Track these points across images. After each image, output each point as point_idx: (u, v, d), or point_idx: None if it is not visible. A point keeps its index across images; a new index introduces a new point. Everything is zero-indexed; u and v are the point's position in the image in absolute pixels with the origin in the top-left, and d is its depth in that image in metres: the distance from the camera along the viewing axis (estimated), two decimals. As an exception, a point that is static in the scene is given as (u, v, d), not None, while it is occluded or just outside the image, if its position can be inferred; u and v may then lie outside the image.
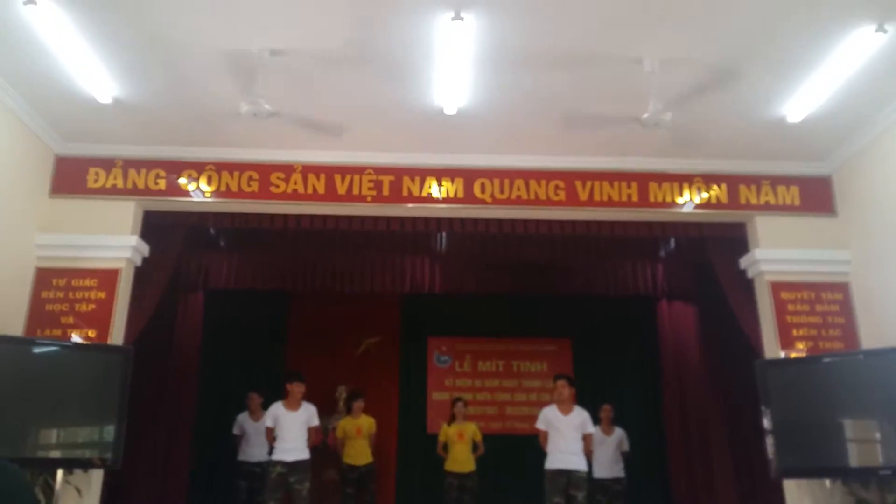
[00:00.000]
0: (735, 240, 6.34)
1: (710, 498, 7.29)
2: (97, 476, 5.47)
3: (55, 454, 5.10)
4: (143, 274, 6.13)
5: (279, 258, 8.14)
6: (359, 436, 7.34)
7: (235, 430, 7.61)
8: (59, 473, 4.98)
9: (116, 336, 5.74)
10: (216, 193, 6.08)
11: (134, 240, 5.94)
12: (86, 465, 5.18)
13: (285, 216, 6.26)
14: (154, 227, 6.24)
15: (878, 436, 5.10)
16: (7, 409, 4.81)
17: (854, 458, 5.18)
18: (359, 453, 7.30)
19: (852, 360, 5.36)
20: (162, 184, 6.08)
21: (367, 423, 7.46)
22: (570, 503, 6.20)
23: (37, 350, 5.24)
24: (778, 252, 6.01)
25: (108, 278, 5.82)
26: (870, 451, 5.15)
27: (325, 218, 6.28)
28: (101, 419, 5.26)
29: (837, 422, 5.23)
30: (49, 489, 5.04)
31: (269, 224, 6.31)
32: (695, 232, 6.39)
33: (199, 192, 6.08)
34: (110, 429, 5.21)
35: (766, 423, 5.37)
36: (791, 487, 5.67)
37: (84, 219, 5.93)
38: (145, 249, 6.10)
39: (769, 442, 5.34)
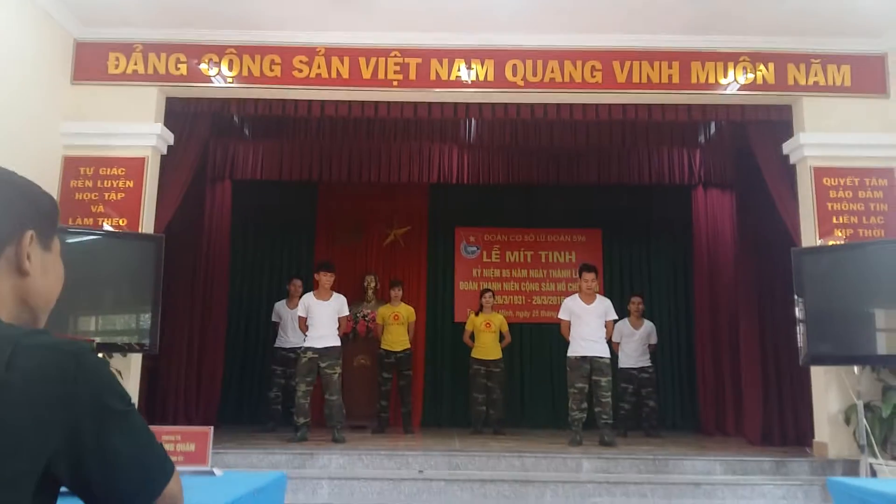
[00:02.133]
0: (779, 123, 6.08)
1: (735, 386, 7.37)
2: (136, 360, 5.66)
3: (95, 339, 5.25)
4: (169, 162, 6.11)
5: (305, 148, 8.03)
6: (396, 322, 7.46)
7: (274, 318, 7.78)
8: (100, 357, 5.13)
9: (147, 224, 5.80)
10: (238, 78, 5.92)
11: (158, 127, 5.90)
12: (124, 349, 5.35)
13: (309, 103, 6.11)
14: (178, 114, 6.18)
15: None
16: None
17: (884, 346, 5.14)
18: (396, 339, 7.45)
19: (890, 247, 5.21)
20: (183, 69, 5.94)
21: (405, 310, 7.56)
22: (594, 388, 6.34)
23: (70, 239, 5.29)
24: (824, 136, 5.76)
25: (135, 166, 5.83)
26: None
27: (349, 104, 6.12)
28: (137, 306, 5.39)
29: (869, 310, 5.16)
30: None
31: (293, 111, 6.17)
32: (737, 116, 6.11)
33: (221, 78, 5.93)
34: (146, 315, 5.36)
35: (799, 311, 5.31)
36: (818, 374, 5.69)
37: (107, 106, 5.88)
38: (170, 137, 6.06)
39: (800, 330, 5.30)
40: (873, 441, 4.95)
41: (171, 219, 6.07)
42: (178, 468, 1.69)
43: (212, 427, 2.03)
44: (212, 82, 5.95)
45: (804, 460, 5.54)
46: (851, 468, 5.24)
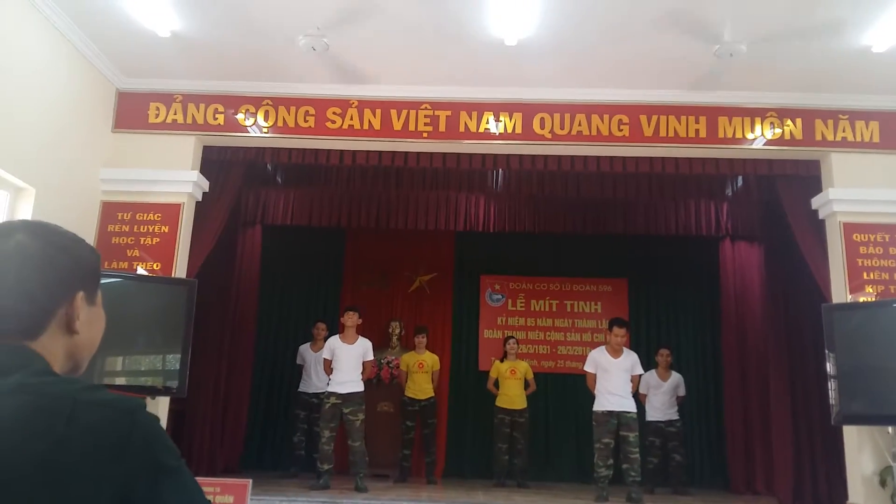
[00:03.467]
0: (807, 178, 6.06)
1: (766, 442, 7.21)
2: (163, 403, 5.71)
3: (123, 381, 5.31)
4: (203, 208, 6.24)
5: (335, 194, 8.18)
6: (421, 370, 7.46)
7: (298, 361, 7.84)
8: (130, 399, 5.18)
9: (180, 268, 5.90)
10: (273, 129, 6.08)
11: (195, 174, 6.03)
12: (153, 392, 5.40)
13: (341, 152, 6.25)
14: (213, 162, 6.33)
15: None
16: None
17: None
18: (420, 387, 7.44)
19: (924, 305, 5.15)
20: (220, 119, 6.12)
21: (430, 358, 7.57)
22: (621, 443, 6.24)
23: (105, 281, 5.39)
24: (853, 192, 5.73)
25: (170, 212, 5.95)
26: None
27: (380, 154, 6.24)
28: (167, 348, 5.46)
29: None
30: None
31: (325, 160, 6.31)
32: (765, 170, 6.12)
33: (257, 128, 6.10)
34: (176, 357, 5.41)
35: (830, 368, 5.23)
36: (851, 434, 5.55)
37: (146, 153, 6.03)
38: (205, 184, 6.19)
39: (832, 387, 5.21)
40: (910, 505, 4.80)
41: (203, 263, 6.18)
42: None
43: (250, 480, 2.06)
44: (248, 132, 6.11)
45: (838, 523, 5.38)
46: (888, 532, 5.07)
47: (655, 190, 7.13)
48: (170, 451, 1.08)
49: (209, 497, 2.06)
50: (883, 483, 5.16)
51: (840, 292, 5.67)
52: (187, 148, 6.09)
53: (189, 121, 6.12)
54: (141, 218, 5.95)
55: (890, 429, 5.08)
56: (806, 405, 6.48)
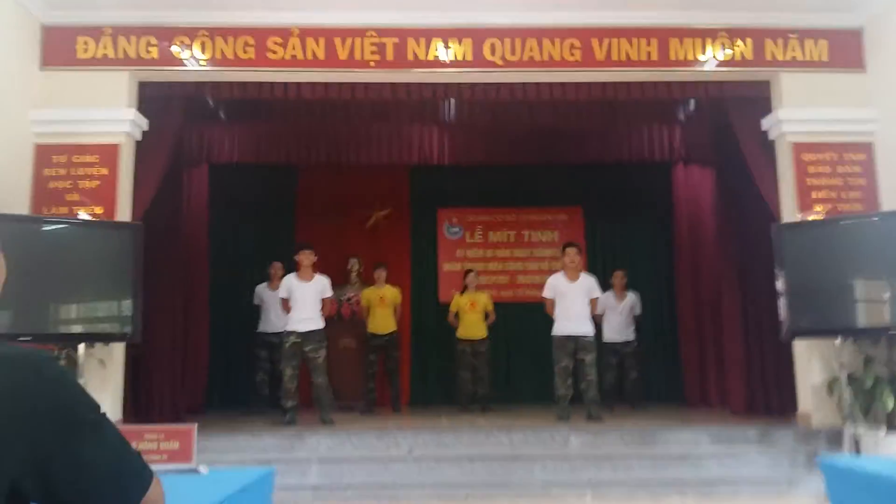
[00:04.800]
0: (758, 100, 6.09)
1: (719, 358, 7.46)
2: (119, 349, 5.60)
3: (76, 329, 5.19)
4: (143, 148, 6.00)
5: (283, 130, 7.94)
6: (382, 305, 7.45)
7: (256, 301, 7.75)
8: (81, 347, 5.08)
9: (123, 212, 5.71)
10: (211, 62, 5.81)
11: (131, 113, 5.79)
12: (106, 338, 5.29)
13: (285, 84, 6.03)
14: (151, 99, 6.06)
15: (889, 296, 5.10)
16: (24, 287, 4.83)
17: (864, 318, 5.22)
18: (382, 322, 7.44)
19: (869, 222, 5.28)
20: (154, 52, 5.81)
21: (391, 293, 7.55)
22: (579, 366, 6.38)
23: (46, 228, 5.19)
24: (802, 111, 5.79)
25: (108, 153, 5.72)
26: (880, 311, 5.18)
27: (326, 86, 6.05)
28: (118, 294, 5.32)
29: (850, 283, 5.23)
30: (73, 362, 5.17)
31: (269, 94, 6.09)
32: (716, 92, 6.12)
33: (194, 61, 5.82)
34: (128, 303, 5.29)
35: (780, 285, 5.37)
36: (801, 347, 5.78)
37: (78, 92, 5.75)
38: (144, 123, 5.95)
39: (782, 304, 5.36)
40: (856, 411, 5.03)
41: (149, 205, 5.97)
42: (162, 467, 1.65)
43: (196, 424, 2.00)
44: (185, 66, 5.83)
45: (788, 429, 5.64)
46: (835, 437, 5.32)
47: (609, 116, 7.09)
48: (85, 405, 0.99)
49: (153, 444, 2.00)
50: (831, 391, 5.40)
51: (790, 212, 5.78)
52: (121, 84, 5.82)
53: (121, 55, 5.81)
54: (78, 160, 5.71)
55: (837, 340, 5.27)
56: (757, 321, 6.67)
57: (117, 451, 1.02)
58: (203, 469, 1.94)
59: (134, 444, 1.80)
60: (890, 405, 4.92)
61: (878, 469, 2.13)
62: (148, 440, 1.97)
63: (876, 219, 5.32)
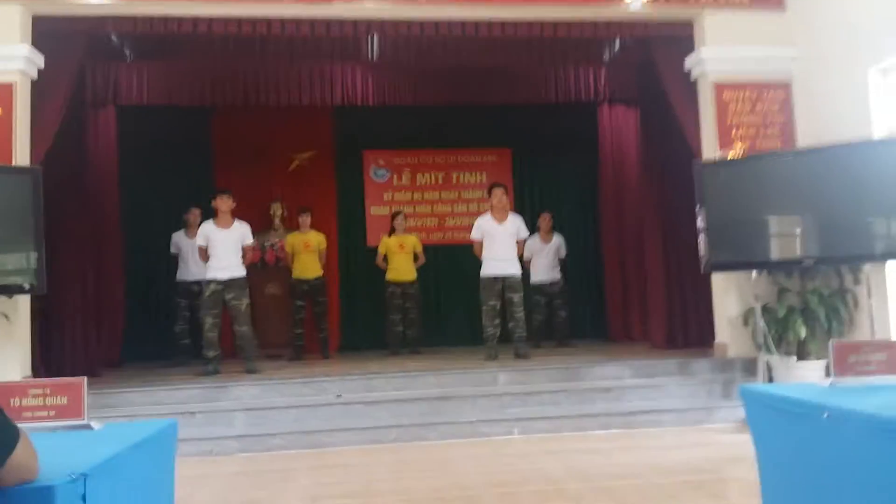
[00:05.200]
0: (681, 39, 6.12)
1: (641, 294, 7.67)
2: (24, 302, 5.29)
3: None
4: (41, 88, 5.58)
5: (195, 70, 7.51)
6: (307, 250, 7.29)
7: (173, 249, 7.45)
8: (-19, 300, 4.76)
9: (21, 157, 5.34)
10: (113, -8, 5.37)
11: (25, 48, 5.37)
12: (8, 290, 4.98)
13: (195, 20, 5.66)
14: (48, 35, 5.61)
15: (801, 231, 5.29)
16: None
17: (779, 251, 5.41)
18: (307, 267, 7.28)
19: (784, 159, 5.43)
20: (48, -18, 5.34)
21: (315, 238, 7.39)
22: (507, 305, 6.43)
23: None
24: (724, 50, 5.86)
25: (2, 93, 5.34)
26: (793, 244, 5.38)
27: (239, 22, 5.70)
28: (19, 244, 5.02)
29: (766, 219, 5.40)
30: (-26, 316, 4.86)
31: (177, 29, 5.71)
32: (640, 32, 6.11)
33: (93, -9, 5.36)
34: (30, 253, 4.99)
35: (700, 222, 5.48)
36: (719, 280, 5.97)
37: (-36, 26, 5.23)
38: (40, 60, 5.53)
39: (701, 239, 5.49)
40: (769, 340, 5.24)
41: (50, 149, 5.57)
42: (50, 424, 1.51)
43: (85, 378, 1.86)
44: (83, -3, 5.38)
45: (706, 360, 5.86)
46: (749, 366, 5.57)
47: (535, 56, 6.99)
48: None
49: (39, 399, 1.85)
50: (746, 322, 5.61)
51: (711, 150, 5.89)
52: (13, 18, 5.38)
53: (11, -15, 5.30)
54: (-32, 101, 5.24)
55: (753, 273, 5.45)
56: (678, 258, 6.84)
57: None
58: (96, 424, 1.81)
59: (16, 401, 1.65)
60: (802, 333, 5.15)
61: (792, 393, 2.19)
62: (32, 396, 1.81)
63: (792, 156, 5.46)
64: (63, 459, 1.29)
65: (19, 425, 1.15)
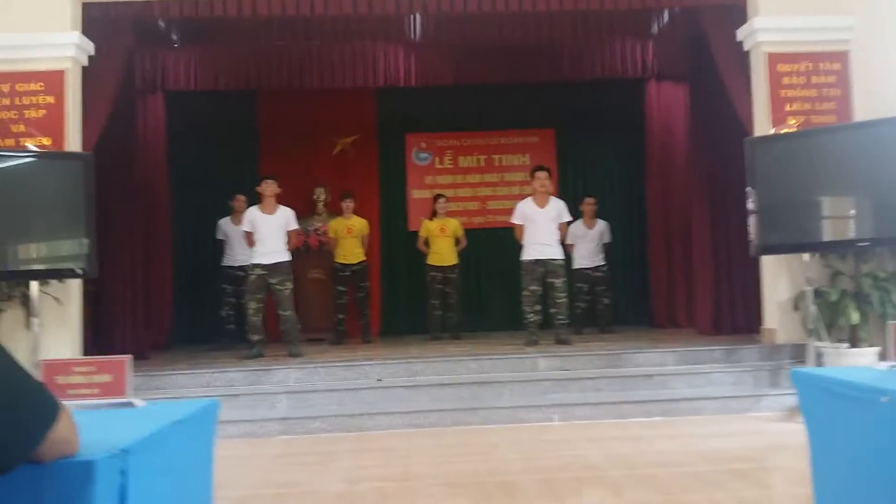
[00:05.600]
0: (733, 9, 5.88)
1: (687, 280, 7.50)
2: (75, 286, 5.43)
3: (27, 267, 5.01)
4: (92, 75, 5.72)
5: (241, 53, 7.59)
6: (349, 235, 7.32)
7: (219, 235, 7.56)
8: (34, 285, 4.91)
9: (72, 143, 5.47)
10: (158, -22, 5.44)
11: (76, 36, 5.49)
12: (59, 275, 5.12)
13: (239, 2, 5.68)
14: (96, 21, 5.73)
15: (855, 210, 5.09)
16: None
17: (832, 232, 5.21)
18: (350, 252, 7.31)
19: (840, 134, 5.20)
20: (96, -31, 5.44)
21: (358, 223, 7.40)
22: (549, 290, 6.35)
23: (-9, 161, 4.94)
24: (777, 20, 5.60)
25: (54, 80, 5.46)
26: (847, 225, 5.17)
27: (284, 2, 5.70)
28: (71, 229, 5.13)
29: (819, 199, 5.20)
30: (27, 300, 5.02)
31: (222, 12, 5.74)
32: (690, 1, 5.90)
33: (138, -23, 5.44)
34: (81, 238, 5.10)
35: (750, 202, 5.29)
36: (769, 264, 5.77)
37: (18, 15, 5.42)
38: (90, 47, 5.65)
39: (752, 221, 5.30)
40: (821, 326, 5.07)
41: (101, 136, 5.70)
42: (94, 402, 1.52)
43: (129, 356, 1.88)
44: (129, -17, 5.47)
45: (753, 347, 5.69)
46: (798, 352, 5.38)
47: (580, 30, 6.83)
48: None
49: (84, 377, 1.88)
50: (796, 307, 5.43)
51: (763, 126, 5.68)
52: (64, 5, 5.51)
53: (61, -27, 5.42)
54: (22, 89, 5.45)
55: (805, 256, 5.27)
56: (726, 240, 6.66)
57: (13, 383, 0.95)
58: (139, 402, 1.84)
59: (62, 378, 1.68)
60: (854, 318, 4.96)
61: (849, 376, 2.09)
62: (77, 372, 1.85)
63: (850, 130, 5.22)
64: (104, 435, 1.30)
65: (62, 401, 1.16)
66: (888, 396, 1.78)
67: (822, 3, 5.62)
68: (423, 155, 8.81)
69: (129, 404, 1.80)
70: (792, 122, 5.55)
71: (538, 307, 6.40)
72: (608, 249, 7.77)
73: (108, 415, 1.68)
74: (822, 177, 5.13)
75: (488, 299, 8.59)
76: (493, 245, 8.55)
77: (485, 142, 8.82)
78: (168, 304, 7.59)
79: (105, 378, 1.79)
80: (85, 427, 1.20)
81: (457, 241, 7.56)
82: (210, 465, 1.87)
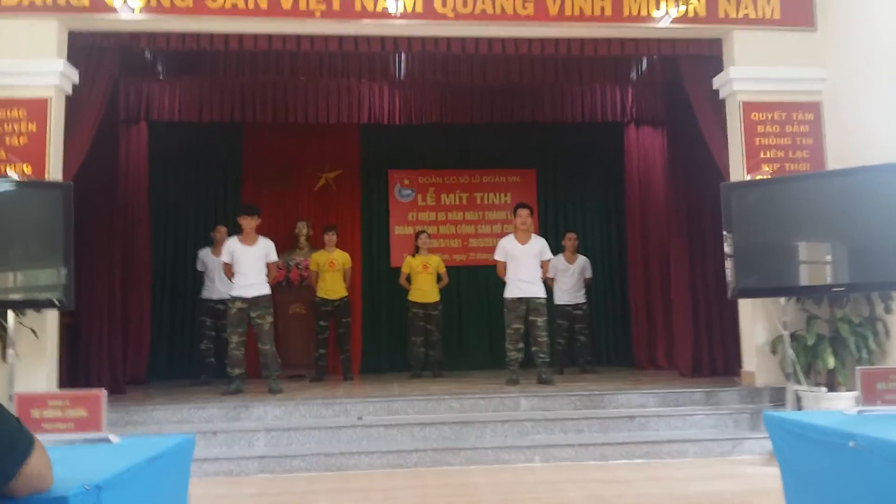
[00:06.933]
0: (710, 58, 6.08)
1: (667, 321, 7.54)
2: (52, 317, 5.34)
3: (3, 296, 4.91)
4: (75, 103, 5.70)
5: (226, 87, 7.62)
6: (332, 269, 7.25)
7: (199, 266, 7.49)
8: (10, 315, 4.81)
9: (54, 171, 5.43)
10: (146, 9, 5.50)
11: (61, 64, 5.49)
12: (37, 305, 5.03)
13: (226, 36, 5.74)
14: (82, 49, 5.76)
15: (831, 256, 5.18)
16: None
17: (808, 277, 5.29)
18: (332, 287, 7.23)
19: (814, 182, 5.31)
20: (85, -1, 5.47)
21: (341, 257, 7.34)
22: (531, 328, 6.35)
23: (-31, 188, 4.89)
24: (753, 70, 5.80)
25: (37, 108, 5.44)
26: (823, 270, 5.26)
27: (270, 38, 5.78)
28: (49, 259, 5.05)
29: (794, 243, 5.29)
30: (3, 330, 4.92)
31: (209, 45, 5.79)
32: (668, 50, 6.06)
33: (127, 8, 5.49)
34: (59, 268, 5.03)
35: (727, 246, 5.37)
36: (746, 307, 5.84)
37: (2, 41, 5.41)
38: (74, 75, 5.65)
39: (728, 265, 5.37)
40: (798, 369, 5.11)
41: (82, 164, 5.66)
42: (69, 436, 1.50)
43: (104, 390, 1.85)
44: (118, 13, 5.50)
45: (733, 390, 5.72)
46: (778, 395, 5.43)
47: (562, 74, 6.96)
48: None
49: (58, 411, 1.84)
50: (774, 350, 5.48)
51: (738, 172, 5.80)
52: (49, 33, 5.51)
53: (49, 1, 5.45)
54: (4, 115, 5.44)
55: (782, 300, 5.33)
56: (704, 283, 6.74)
57: None
58: (114, 438, 1.80)
59: (36, 412, 1.64)
60: (831, 362, 5.01)
61: (819, 421, 2.11)
62: (52, 407, 1.80)
63: (823, 177, 5.35)
64: (78, 471, 1.27)
65: (35, 436, 1.13)
66: (856, 441, 1.80)
67: (795, 55, 5.81)
68: (406, 192, 8.85)
69: (105, 439, 1.76)
70: (766, 168, 5.69)
71: (521, 345, 6.39)
72: (589, 286, 7.81)
73: (83, 450, 1.64)
74: (797, 223, 5.23)
75: (469, 337, 8.57)
76: (475, 283, 8.59)
77: (467, 180, 8.89)
78: (146, 337, 7.45)
79: (80, 412, 1.75)
80: (59, 462, 1.17)
81: (439, 278, 7.55)
82: (185, 501, 1.83)
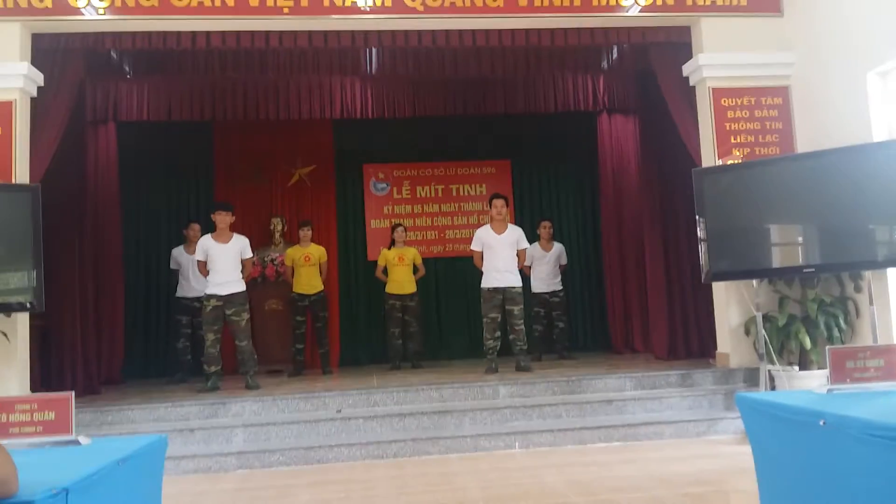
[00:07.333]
0: (679, 45, 6.12)
1: (642, 305, 7.62)
2: (23, 320, 5.27)
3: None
4: (41, 105, 5.63)
5: (195, 85, 7.53)
6: (307, 263, 7.23)
7: (173, 265, 7.45)
8: (-20, 319, 4.76)
9: (20, 174, 5.36)
10: (111, 9, 5.43)
11: (24, 67, 5.41)
12: (7, 308, 4.98)
13: (193, 34, 5.68)
14: (46, 52, 5.68)
15: (801, 238, 5.26)
16: None
17: (780, 259, 5.37)
18: (307, 282, 7.22)
19: (783, 165, 5.38)
20: (48, 0, 5.37)
21: (316, 251, 7.33)
22: (507, 317, 6.40)
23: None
24: (721, 56, 5.85)
25: (1, 111, 5.35)
26: (794, 252, 5.34)
27: (238, 35, 5.72)
28: (17, 262, 5.02)
29: (766, 226, 5.37)
30: (-29, 335, 4.85)
31: (176, 44, 5.72)
32: (638, 38, 6.09)
33: (92, 9, 5.41)
34: (29, 271, 4.99)
35: (700, 231, 5.45)
36: (720, 290, 5.92)
37: (-37, 45, 5.28)
38: (39, 77, 5.57)
39: (702, 249, 5.46)
40: (771, 350, 5.20)
41: (49, 167, 5.58)
42: (37, 439, 1.50)
43: (72, 392, 1.84)
44: (82, 14, 5.43)
45: (708, 371, 5.80)
46: (751, 376, 5.52)
47: (533, 65, 6.98)
48: None
49: (26, 415, 1.83)
50: (747, 332, 5.57)
51: (710, 157, 5.87)
52: (13, 36, 5.44)
53: (10, 4, 5.40)
54: (-32, 119, 5.28)
55: (754, 282, 5.42)
56: (679, 267, 6.82)
57: None
58: (84, 440, 1.79)
59: (3, 416, 1.63)
60: (807, 343, 5.09)
61: (789, 400, 2.15)
62: (19, 410, 1.79)
63: (792, 161, 5.42)
64: (46, 474, 1.27)
65: (3, 441, 1.13)
66: (826, 420, 1.85)
67: (764, 40, 5.87)
68: (381, 185, 8.84)
69: (74, 442, 1.75)
70: (737, 153, 5.75)
71: (498, 334, 6.43)
72: (565, 272, 7.87)
73: (51, 453, 1.63)
74: (768, 206, 5.30)
75: (447, 328, 8.61)
76: (452, 274, 8.62)
77: (442, 172, 8.90)
78: (120, 337, 7.39)
79: (48, 415, 1.75)
80: (25, 466, 1.16)
81: (415, 270, 7.57)
82: (158, 501, 1.83)
